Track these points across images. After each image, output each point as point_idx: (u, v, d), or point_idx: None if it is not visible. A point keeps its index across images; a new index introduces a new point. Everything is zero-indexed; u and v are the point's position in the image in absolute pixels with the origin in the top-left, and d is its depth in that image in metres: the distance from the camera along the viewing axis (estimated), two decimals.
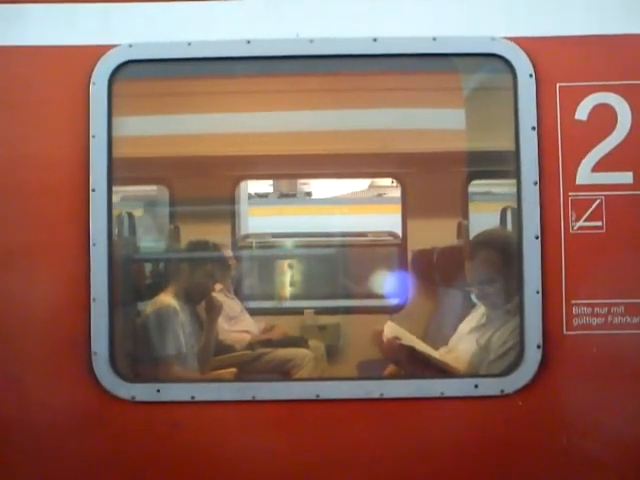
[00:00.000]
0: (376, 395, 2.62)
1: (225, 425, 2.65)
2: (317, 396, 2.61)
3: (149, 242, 5.04)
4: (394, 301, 5.55)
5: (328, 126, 4.83)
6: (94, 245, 2.64)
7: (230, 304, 5.24)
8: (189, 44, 2.71)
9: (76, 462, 2.64)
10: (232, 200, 5.63)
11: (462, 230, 4.91)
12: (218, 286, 4.63)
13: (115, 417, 2.64)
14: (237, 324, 5.41)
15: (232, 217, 5.63)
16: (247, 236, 6.14)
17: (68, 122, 2.70)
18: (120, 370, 2.63)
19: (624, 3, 2.74)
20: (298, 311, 5.71)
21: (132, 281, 3.67)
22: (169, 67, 2.88)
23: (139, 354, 3.30)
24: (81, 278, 2.61)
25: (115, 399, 2.62)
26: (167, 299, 3.79)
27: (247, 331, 5.39)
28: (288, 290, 6.02)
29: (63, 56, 2.71)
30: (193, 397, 2.62)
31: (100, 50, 2.70)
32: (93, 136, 2.67)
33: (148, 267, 4.36)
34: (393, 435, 2.62)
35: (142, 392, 2.63)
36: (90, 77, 2.68)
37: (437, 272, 4.71)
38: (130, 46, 2.71)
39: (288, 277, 5.96)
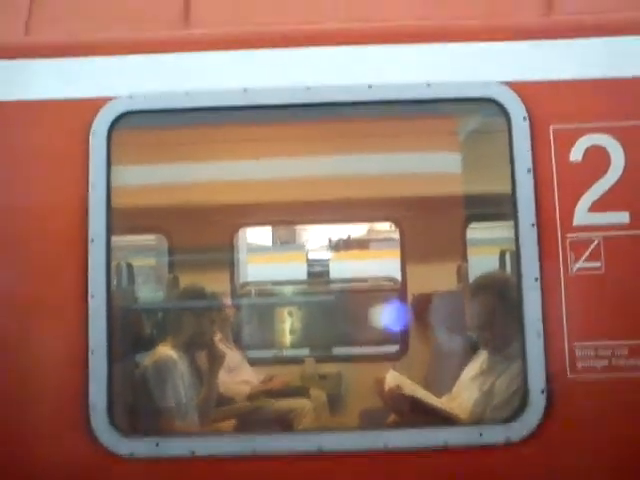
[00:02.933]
0: (380, 445, 2.56)
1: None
2: (319, 449, 2.56)
3: (148, 292, 5.02)
4: (395, 348, 5.50)
5: (325, 172, 4.87)
6: (92, 297, 2.62)
7: (230, 354, 5.18)
8: (187, 94, 2.75)
9: None
10: (231, 248, 5.63)
11: (461, 273, 4.90)
12: (217, 336, 4.59)
13: (113, 475, 2.58)
14: (237, 375, 5.34)
15: (231, 265, 5.62)
16: (246, 284, 6.11)
17: (68, 172, 2.72)
18: (118, 424, 2.58)
19: (613, 48, 2.79)
20: (298, 360, 5.65)
21: (131, 332, 3.64)
22: (167, 117, 2.91)
23: (138, 407, 3.24)
24: (79, 329, 2.58)
25: (113, 455, 2.56)
26: (166, 350, 3.74)
27: (247, 382, 5.33)
28: (288, 338, 5.97)
29: (64, 109, 2.75)
30: (193, 452, 2.57)
31: (100, 102, 2.74)
32: (92, 186, 2.68)
33: (147, 318, 4.33)
34: None
35: (141, 447, 2.58)
36: (90, 128, 2.70)
37: (437, 317, 4.68)
38: (130, 97, 2.74)
39: (288, 325, 5.92)
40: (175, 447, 2.59)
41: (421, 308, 5.07)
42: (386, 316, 5.56)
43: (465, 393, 3.07)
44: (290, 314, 6.04)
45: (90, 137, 2.70)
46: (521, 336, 2.63)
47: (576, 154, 2.68)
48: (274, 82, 2.74)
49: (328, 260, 7.96)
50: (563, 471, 2.59)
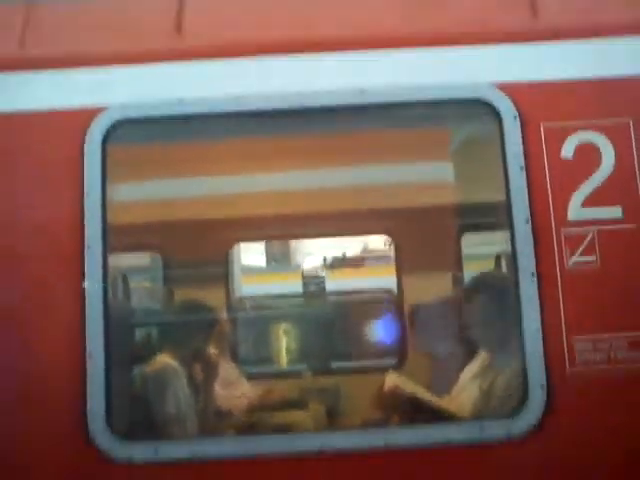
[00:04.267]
0: (380, 444, 2.55)
1: None
2: (320, 449, 2.54)
3: (143, 303, 5.01)
4: (393, 359, 5.48)
5: (317, 185, 4.89)
6: (89, 304, 2.62)
7: (226, 369, 5.16)
8: (180, 101, 2.78)
9: None
10: (226, 263, 5.63)
11: (457, 281, 4.91)
12: (214, 351, 4.58)
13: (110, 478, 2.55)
14: (234, 390, 5.30)
15: (226, 281, 5.61)
16: (242, 299, 6.10)
17: (62, 183, 2.73)
18: (116, 429, 2.56)
19: (602, 48, 2.85)
20: (296, 374, 5.61)
21: (128, 338, 3.62)
22: (161, 126, 2.93)
23: (136, 413, 3.21)
24: (76, 335, 2.57)
25: (111, 460, 2.54)
26: (166, 359, 3.73)
27: (244, 396, 5.29)
28: (285, 353, 5.94)
29: (57, 119, 2.77)
30: (192, 456, 2.55)
31: (93, 112, 2.76)
32: (87, 195, 2.69)
33: (143, 330, 4.31)
34: None
35: (139, 452, 2.55)
36: (84, 138, 2.72)
37: (435, 325, 4.66)
38: (122, 106, 2.77)
39: (284, 339, 5.89)
40: (174, 451, 2.57)
41: (418, 318, 5.06)
42: (383, 328, 5.55)
43: (465, 393, 3.07)
44: (286, 327, 6.02)
45: (85, 146, 2.73)
46: (520, 332, 2.64)
47: (567, 151, 2.72)
48: (266, 89, 2.78)
49: (323, 278, 7.90)
50: (564, 465, 2.58)
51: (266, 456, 2.53)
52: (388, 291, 5.84)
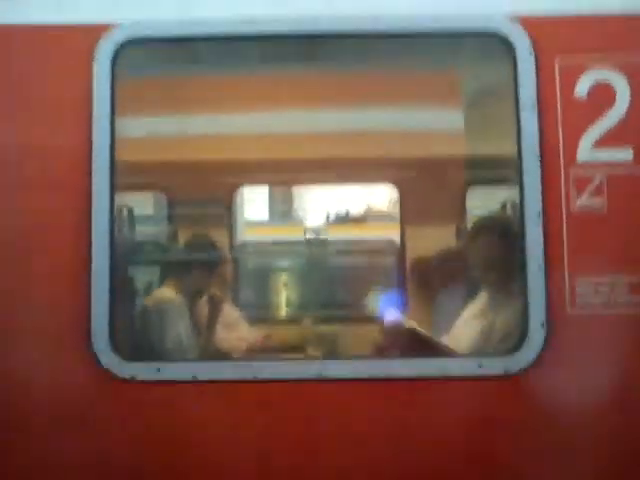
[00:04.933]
0: (380, 374, 2.58)
1: (227, 404, 2.60)
2: (320, 375, 2.58)
3: (149, 235, 5.01)
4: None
5: (325, 129, 4.84)
6: (95, 225, 2.62)
7: (227, 310, 5.20)
8: (193, 22, 2.73)
9: (75, 441, 2.58)
10: (230, 207, 5.61)
11: (461, 233, 4.90)
12: (216, 290, 4.60)
13: (114, 397, 2.59)
14: (234, 331, 5.35)
15: (229, 224, 5.60)
16: (244, 244, 6.11)
17: (71, 101, 2.70)
18: (120, 348, 2.59)
19: None
20: (296, 320, 5.65)
21: (133, 259, 3.64)
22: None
23: (138, 335, 3.25)
24: (81, 253, 2.58)
25: (114, 378, 2.57)
26: (168, 293, 3.76)
27: (244, 339, 5.34)
28: (285, 299, 5.97)
29: (66, 34, 2.72)
30: (194, 376, 2.58)
31: (102, 28, 2.70)
32: (96, 117, 2.66)
33: (146, 262, 4.33)
34: (396, 415, 2.58)
35: (142, 371, 2.59)
36: (93, 55, 2.68)
37: (437, 274, 4.68)
38: (133, 24, 2.71)
39: (285, 286, 5.92)
40: (176, 371, 2.60)
41: (420, 268, 5.07)
42: (384, 278, 5.57)
43: (465, 331, 3.09)
44: (287, 277, 6.04)
45: (93, 64, 2.68)
46: (523, 270, 2.64)
47: (581, 89, 2.68)
48: (282, 11, 2.73)
49: (326, 235, 7.86)
50: (559, 403, 2.61)
51: (266, 380, 2.57)
52: (390, 242, 5.84)
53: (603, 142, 2.66)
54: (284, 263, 5.96)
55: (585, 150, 2.67)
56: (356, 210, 11.23)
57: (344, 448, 2.55)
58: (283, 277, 5.83)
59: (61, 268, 2.61)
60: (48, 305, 2.62)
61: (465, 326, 3.10)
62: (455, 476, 2.56)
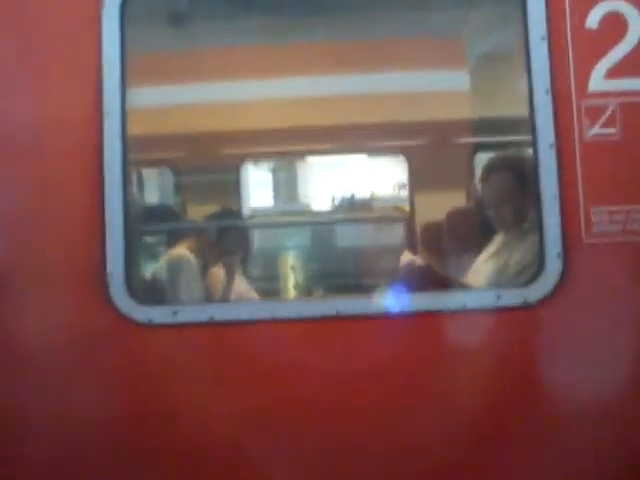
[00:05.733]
0: (397, 309, 2.58)
1: (244, 345, 2.60)
2: (338, 312, 2.58)
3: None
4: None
5: (328, 94, 4.81)
6: (108, 170, 2.62)
7: (237, 280, 5.21)
8: None
9: (91, 386, 2.58)
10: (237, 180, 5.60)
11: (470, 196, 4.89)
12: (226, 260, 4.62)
13: (131, 341, 2.59)
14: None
15: (237, 198, 5.60)
16: (253, 214, 6.09)
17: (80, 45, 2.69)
18: (136, 292, 2.59)
19: None
20: (305, 292, 5.63)
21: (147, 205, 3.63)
22: None
23: (153, 281, 3.26)
24: (95, 196, 2.58)
25: (131, 323, 2.58)
26: (182, 250, 3.79)
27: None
28: (293, 274, 5.96)
29: None
30: (211, 317, 2.59)
31: None
32: (105, 59, 2.64)
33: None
34: (415, 349, 2.58)
35: (159, 314, 2.59)
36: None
37: (448, 236, 4.64)
38: None
39: (293, 261, 5.91)
40: (193, 313, 2.60)
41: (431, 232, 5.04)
42: (394, 243, 5.56)
43: (480, 272, 3.08)
44: (294, 254, 6.00)
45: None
46: (537, 203, 2.64)
47: (592, 20, 2.67)
48: None
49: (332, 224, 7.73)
50: (578, 333, 2.60)
51: (282, 319, 2.57)
52: (399, 209, 5.84)
53: (615, 72, 2.65)
54: (291, 238, 5.94)
55: (597, 80, 2.65)
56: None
57: (363, 383, 2.55)
58: (290, 252, 5.81)
59: (76, 215, 2.61)
60: (64, 252, 2.62)
61: (479, 269, 3.09)
62: (473, 404, 2.56)
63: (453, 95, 4.86)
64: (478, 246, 3.51)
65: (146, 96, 3.88)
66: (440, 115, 4.96)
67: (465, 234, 4.22)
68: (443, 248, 4.83)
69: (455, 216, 4.58)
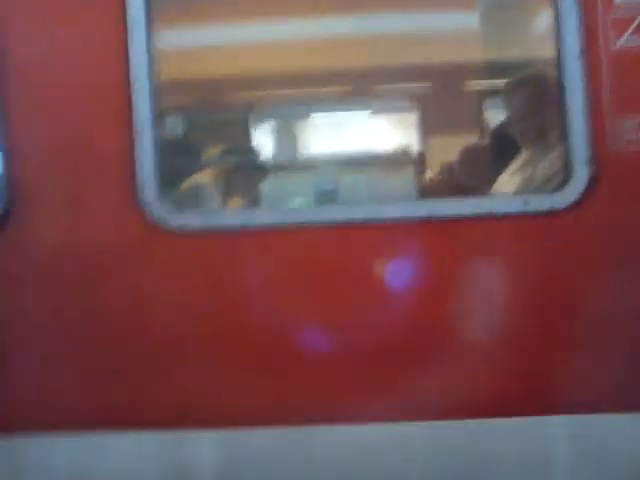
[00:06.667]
0: (423, 214, 2.62)
1: (277, 251, 2.63)
2: (369, 217, 2.60)
3: None
4: None
5: (336, 35, 4.76)
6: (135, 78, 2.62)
7: None
8: None
9: (122, 295, 2.62)
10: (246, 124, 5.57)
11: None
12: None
13: (162, 248, 2.62)
14: None
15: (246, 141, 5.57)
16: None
17: None
18: (168, 199, 2.61)
19: None
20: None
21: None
22: None
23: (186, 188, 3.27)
24: (124, 103, 2.59)
25: (162, 229, 2.60)
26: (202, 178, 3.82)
27: None
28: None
29: None
30: (243, 225, 2.61)
31: None
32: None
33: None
34: (440, 254, 2.63)
35: (190, 220, 2.61)
36: None
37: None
38: None
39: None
40: (225, 219, 2.63)
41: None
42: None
43: (506, 186, 3.11)
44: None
45: None
46: (564, 111, 2.66)
47: None
48: None
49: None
50: (604, 240, 2.64)
51: (315, 224, 2.60)
52: (406, 152, 5.83)
53: None
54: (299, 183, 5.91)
55: None
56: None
57: (396, 284, 2.59)
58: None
59: (106, 122, 2.62)
60: (95, 160, 2.63)
61: (504, 184, 3.12)
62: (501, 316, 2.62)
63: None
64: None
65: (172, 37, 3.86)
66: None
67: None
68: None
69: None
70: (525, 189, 2.95)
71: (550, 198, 2.62)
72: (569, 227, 2.62)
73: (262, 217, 2.62)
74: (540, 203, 2.61)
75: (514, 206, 2.62)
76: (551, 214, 2.60)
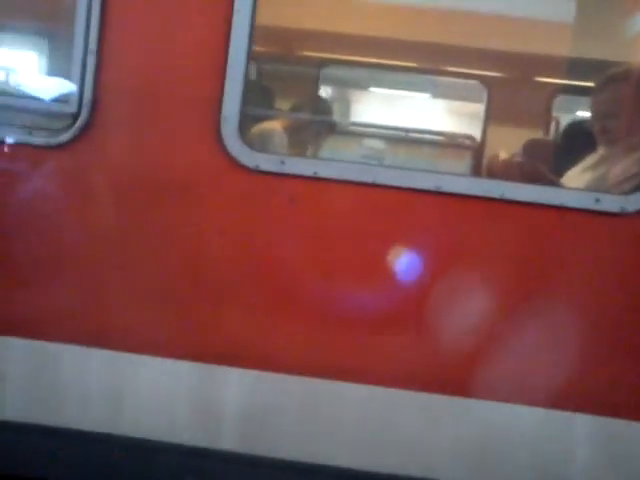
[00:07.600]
0: (496, 195, 2.63)
1: (342, 205, 2.68)
2: (438, 188, 2.63)
3: None
4: None
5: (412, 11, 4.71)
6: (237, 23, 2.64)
7: None
8: None
9: (192, 223, 2.69)
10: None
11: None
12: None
13: (236, 183, 2.68)
14: None
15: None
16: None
17: None
18: (247, 139, 2.66)
19: None
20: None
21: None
22: None
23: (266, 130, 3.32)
24: (220, 43, 2.62)
25: (240, 166, 2.66)
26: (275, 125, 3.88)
27: None
28: None
29: None
30: (315, 173, 2.66)
31: None
32: None
33: None
34: (509, 235, 2.65)
35: (267, 161, 2.67)
36: None
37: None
38: None
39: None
40: (299, 166, 2.67)
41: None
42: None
43: (575, 181, 3.09)
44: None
45: None
46: None
47: None
48: None
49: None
50: None
51: (385, 185, 2.63)
52: (469, 137, 5.80)
53: None
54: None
55: None
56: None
57: (448, 264, 2.64)
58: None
59: (204, 55, 2.66)
60: (186, 87, 2.68)
61: (576, 179, 3.10)
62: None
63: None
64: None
65: None
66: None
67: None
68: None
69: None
70: (597, 187, 2.93)
71: (622, 199, 2.61)
72: (637, 231, 2.61)
73: (333, 169, 2.65)
74: (611, 203, 2.61)
75: (585, 201, 2.62)
76: (620, 215, 2.59)
